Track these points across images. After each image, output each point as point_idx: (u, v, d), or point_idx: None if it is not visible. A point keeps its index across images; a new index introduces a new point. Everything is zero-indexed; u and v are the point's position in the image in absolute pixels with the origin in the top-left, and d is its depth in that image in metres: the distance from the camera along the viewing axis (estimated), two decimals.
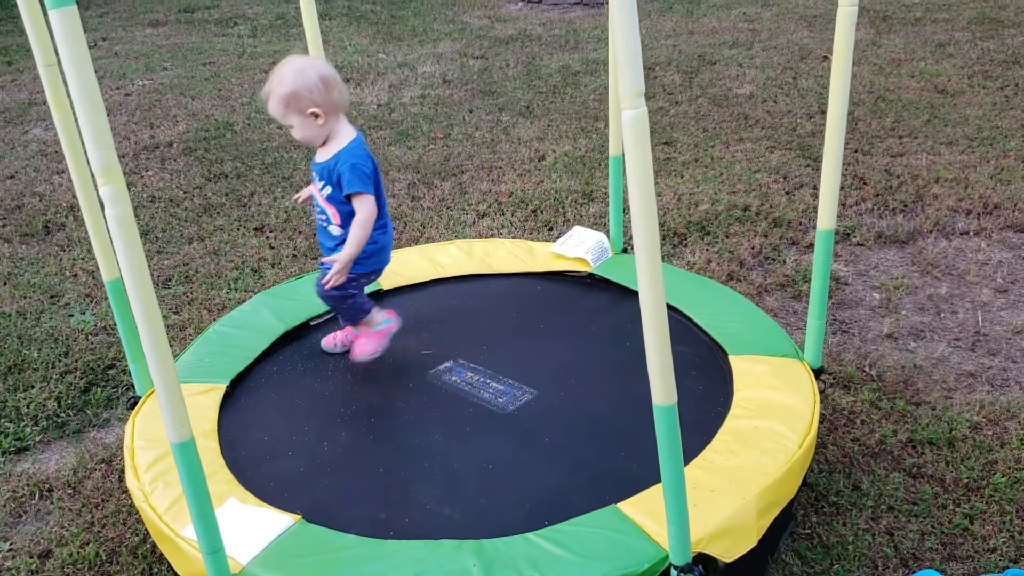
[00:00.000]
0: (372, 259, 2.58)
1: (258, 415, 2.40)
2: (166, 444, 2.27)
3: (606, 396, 2.41)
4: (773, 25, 7.61)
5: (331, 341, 2.77)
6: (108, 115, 6.17)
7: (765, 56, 6.70)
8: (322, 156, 2.49)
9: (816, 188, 4.37)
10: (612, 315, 2.80)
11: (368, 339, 2.66)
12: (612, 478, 2.08)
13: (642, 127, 1.50)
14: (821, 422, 2.72)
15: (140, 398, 2.53)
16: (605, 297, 2.91)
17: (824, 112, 5.44)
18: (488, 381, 2.48)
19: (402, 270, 3.09)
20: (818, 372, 2.45)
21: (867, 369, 3.04)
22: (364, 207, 2.44)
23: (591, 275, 3.02)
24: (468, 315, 2.84)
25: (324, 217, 2.55)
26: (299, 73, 2.35)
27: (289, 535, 1.93)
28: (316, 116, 2.39)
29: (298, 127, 2.43)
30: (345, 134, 2.48)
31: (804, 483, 2.35)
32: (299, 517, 1.99)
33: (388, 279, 3.03)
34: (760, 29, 7.49)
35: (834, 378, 2.99)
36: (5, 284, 3.99)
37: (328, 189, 2.49)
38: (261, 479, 2.15)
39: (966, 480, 2.49)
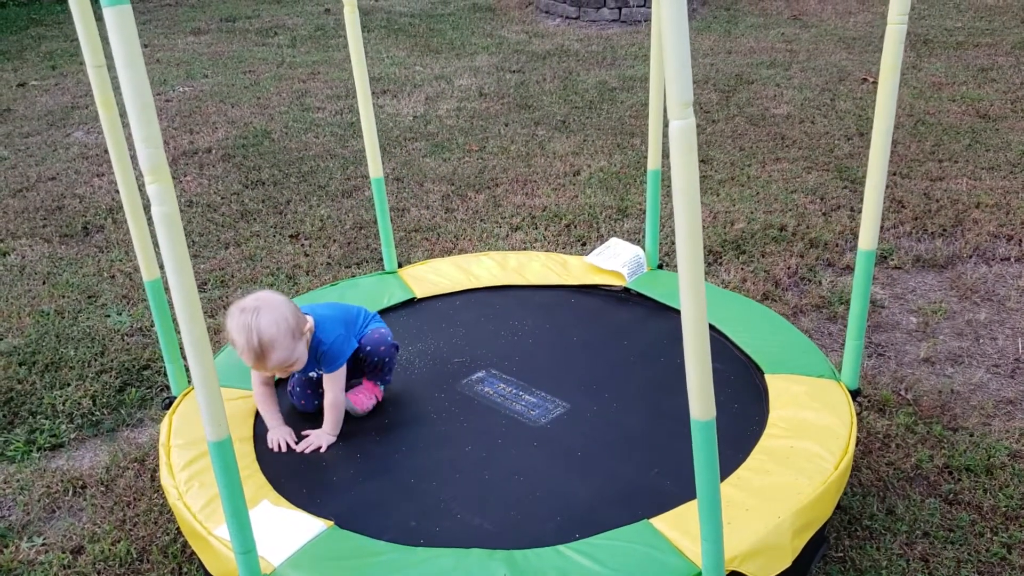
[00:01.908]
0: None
1: (292, 423, 2.41)
2: (202, 444, 2.29)
3: (639, 411, 2.39)
4: (811, 46, 7.57)
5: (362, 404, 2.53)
6: None
7: (803, 77, 6.67)
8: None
9: (854, 210, 4.34)
10: (647, 330, 2.78)
11: (370, 391, 2.57)
12: (645, 493, 2.06)
13: (689, 138, 1.49)
14: (855, 445, 2.68)
15: (175, 398, 2.55)
16: (640, 312, 2.90)
17: (863, 135, 5.40)
18: (520, 393, 2.47)
19: (436, 279, 3.09)
20: (855, 394, 2.42)
21: (903, 393, 3.00)
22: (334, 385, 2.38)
23: (626, 289, 3.01)
24: (501, 326, 2.84)
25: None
26: (273, 309, 2.21)
27: (321, 539, 1.94)
28: (310, 330, 2.34)
29: (302, 353, 2.30)
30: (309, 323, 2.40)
31: (837, 506, 2.32)
32: (331, 523, 1.99)
33: (421, 288, 3.04)
34: (798, 50, 7.46)
35: (869, 401, 2.95)
36: (44, 283, 4.05)
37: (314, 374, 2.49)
38: (295, 485, 2.16)
39: (1004, 509, 2.45)
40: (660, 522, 1.93)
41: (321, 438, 2.37)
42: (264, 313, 2.19)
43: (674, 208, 1.53)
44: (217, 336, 3.49)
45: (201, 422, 2.19)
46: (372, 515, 2.04)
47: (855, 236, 3.99)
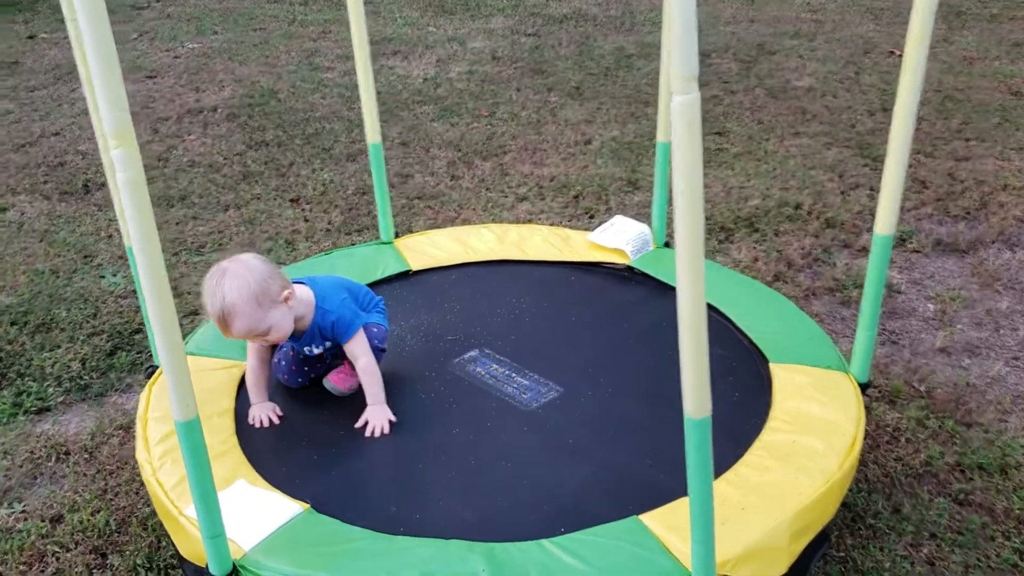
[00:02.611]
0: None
1: (276, 398, 2.32)
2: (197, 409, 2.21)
3: (636, 398, 2.29)
4: (838, 17, 7.35)
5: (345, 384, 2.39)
6: (155, 77, 6.17)
7: (827, 48, 6.47)
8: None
9: (873, 189, 4.19)
10: (649, 311, 2.67)
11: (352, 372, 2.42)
12: (636, 486, 1.96)
13: (693, 115, 1.37)
14: (864, 438, 2.57)
15: (158, 368, 2.46)
16: (642, 292, 2.78)
17: (886, 110, 5.22)
18: (513, 375, 2.37)
19: (432, 251, 2.99)
20: (864, 387, 2.31)
21: (916, 384, 2.88)
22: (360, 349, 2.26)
23: (629, 268, 2.89)
24: (497, 302, 2.73)
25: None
26: (240, 275, 2.07)
27: (296, 523, 1.85)
28: (288, 299, 2.15)
29: (277, 323, 2.14)
30: (305, 297, 2.26)
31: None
32: (308, 505, 1.91)
33: (417, 260, 2.94)
34: (824, 20, 7.24)
35: (880, 391, 2.83)
36: (41, 241, 3.98)
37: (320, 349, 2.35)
38: (273, 463, 2.07)
39: (1018, 512, 2.34)
40: (650, 519, 1.83)
41: (377, 416, 2.21)
42: (230, 278, 2.06)
43: (675, 191, 1.41)
44: None
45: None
46: (351, 499, 1.96)
47: (873, 217, 3.84)
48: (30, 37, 7.20)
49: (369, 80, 2.78)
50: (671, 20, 1.33)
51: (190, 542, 1.84)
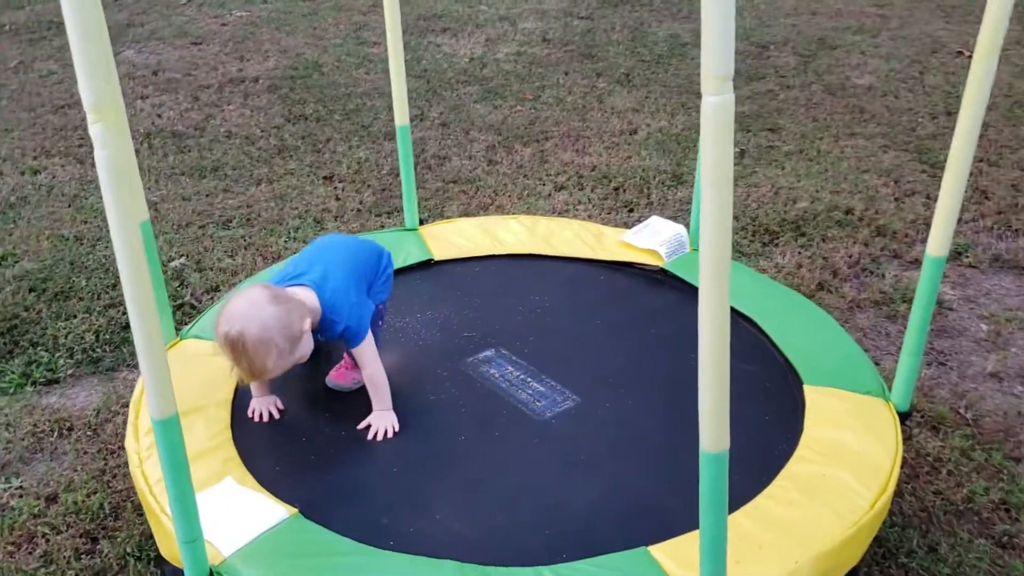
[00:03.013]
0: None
1: (276, 390, 2.21)
2: (178, 405, 2.11)
3: (657, 413, 2.14)
4: (905, 12, 7.03)
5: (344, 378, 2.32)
6: (201, 44, 6.11)
7: (892, 46, 6.18)
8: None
9: (930, 197, 3.96)
10: (678, 318, 2.51)
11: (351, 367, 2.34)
12: (649, 513, 1.82)
13: (726, 118, 1.22)
14: (901, 467, 2.40)
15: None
16: (674, 297, 2.62)
17: (951, 113, 4.95)
18: (528, 379, 2.23)
19: (458, 241, 2.86)
20: (904, 416, 2.13)
21: (962, 411, 2.69)
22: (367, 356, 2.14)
23: (662, 270, 2.74)
24: (519, 299, 2.59)
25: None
26: (260, 339, 1.90)
27: (281, 529, 1.75)
28: (307, 326, 2.01)
29: (304, 352, 2.02)
30: (312, 305, 2.09)
31: None
32: (296, 510, 1.80)
33: (440, 249, 2.81)
34: (890, 16, 6.93)
35: (922, 416, 2.65)
36: (70, 206, 3.93)
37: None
38: (266, 461, 1.97)
39: None
40: (660, 551, 1.69)
41: (381, 421, 2.10)
42: (253, 344, 1.89)
43: (701, 203, 1.26)
44: (233, 279, 3.32)
45: (180, 381, 2.02)
46: (342, 505, 1.85)
47: (928, 226, 3.64)
48: None
49: (399, 59, 2.66)
50: (706, 14, 1.18)
51: (170, 542, 1.75)
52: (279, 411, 2.17)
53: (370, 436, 2.07)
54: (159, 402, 1.50)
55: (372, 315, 2.20)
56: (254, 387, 2.19)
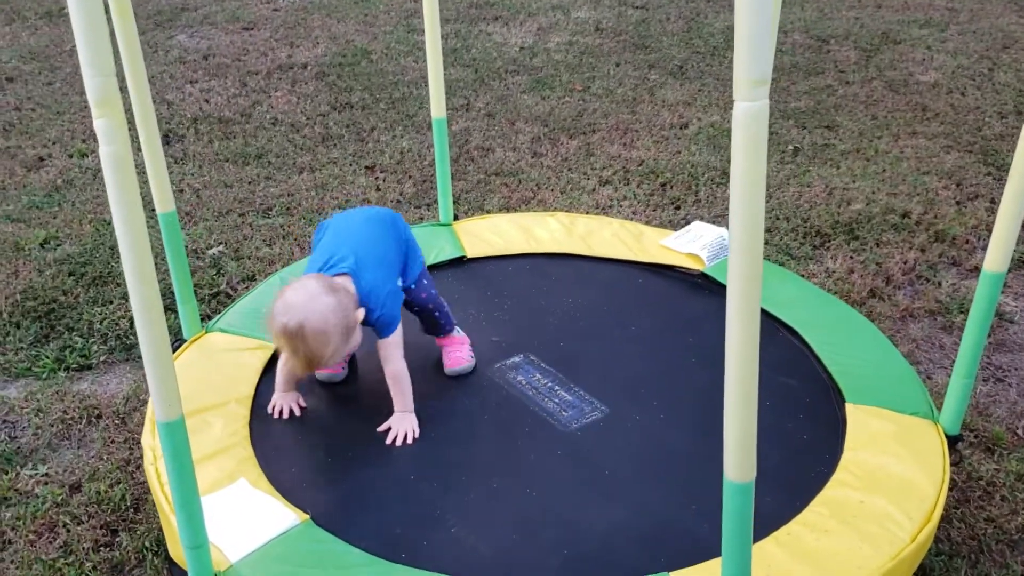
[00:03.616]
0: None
1: (298, 389, 2.17)
2: (197, 400, 2.09)
3: (688, 428, 2.04)
4: (976, 6, 6.75)
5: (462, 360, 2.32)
6: (252, 29, 6.11)
7: (960, 40, 5.93)
8: None
9: (994, 202, 3.77)
10: (718, 326, 2.37)
11: (459, 344, 2.34)
12: (673, 536, 1.73)
13: (759, 127, 1.13)
14: (950, 489, 2.27)
15: (184, 341, 2.35)
16: (714, 304, 2.51)
17: (1021, 113, 4.73)
18: (557, 388, 2.15)
19: (491, 238, 2.78)
20: (954, 441, 2.01)
21: (1020, 432, 2.54)
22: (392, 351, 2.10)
23: (703, 275, 2.63)
24: (553, 302, 2.51)
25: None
26: (320, 330, 1.90)
27: (291, 535, 1.71)
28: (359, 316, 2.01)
29: (357, 340, 2.02)
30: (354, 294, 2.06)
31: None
32: (307, 516, 1.75)
33: (474, 246, 2.74)
34: (959, 8, 6.66)
35: (976, 436, 2.51)
36: None
37: None
38: (282, 463, 1.92)
39: None
40: None
41: (402, 424, 2.05)
42: (310, 336, 1.89)
43: (730, 216, 1.17)
44: (270, 268, 3.30)
45: (202, 376, 1.99)
46: (355, 513, 1.79)
47: (990, 233, 3.47)
48: None
49: (437, 51, 2.58)
50: (739, 15, 1.08)
51: (177, 543, 1.71)
52: (301, 408, 2.12)
53: (389, 440, 2.01)
54: (164, 405, 1.45)
55: (426, 291, 2.22)
56: (280, 383, 2.15)
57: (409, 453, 1.97)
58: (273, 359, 2.25)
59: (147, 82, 2.15)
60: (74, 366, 2.84)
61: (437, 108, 2.69)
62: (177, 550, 1.73)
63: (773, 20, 1.11)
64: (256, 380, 2.18)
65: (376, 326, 2.07)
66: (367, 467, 1.93)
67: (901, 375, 2.17)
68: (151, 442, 1.95)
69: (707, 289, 2.59)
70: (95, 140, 4.37)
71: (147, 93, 2.15)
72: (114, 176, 1.32)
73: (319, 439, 2.03)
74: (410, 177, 4.04)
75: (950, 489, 2.22)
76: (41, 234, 3.55)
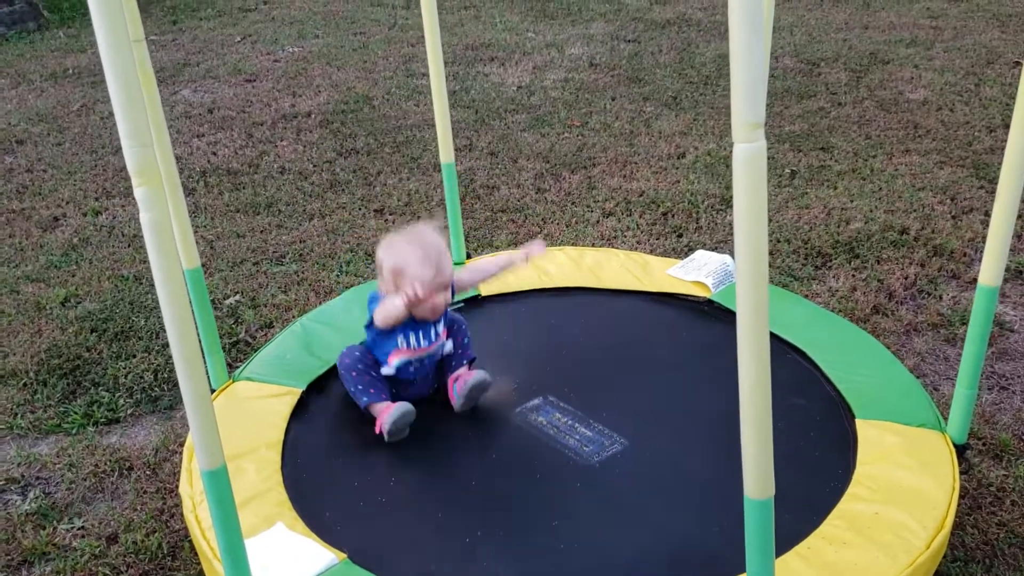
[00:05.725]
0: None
1: (327, 433, 2.25)
2: (230, 448, 2.15)
3: (707, 451, 2.11)
4: (960, 23, 6.89)
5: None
6: (255, 80, 6.26)
7: (946, 58, 6.07)
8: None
9: (988, 214, 3.83)
10: (728, 351, 2.43)
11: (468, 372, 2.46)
12: (696, 559, 1.80)
13: (758, 167, 1.21)
14: (962, 497, 2.33)
15: (213, 392, 2.43)
16: (721, 329, 2.59)
17: (1008, 126, 4.83)
18: (576, 425, 2.22)
19: (504, 275, 2.86)
20: (961, 449, 2.08)
21: None
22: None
23: (710, 301, 2.71)
24: (567, 338, 2.59)
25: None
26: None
27: (330, 575, 1.77)
28: None
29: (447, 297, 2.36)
30: None
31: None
32: (344, 555, 1.82)
33: (487, 285, 2.83)
34: (944, 27, 6.80)
35: (984, 444, 2.57)
36: (129, 246, 4.04)
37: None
38: (316, 506, 1.99)
39: None
40: None
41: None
42: (446, 252, 2.32)
43: (735, 252, 1.25)
44: (287, 314, 3.38)
45: (233, 424, 2.06)
46: (390, 551, 1.86)
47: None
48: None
49: (443, 98, 2.69)
50: (735, 59, 1.17)
51: None
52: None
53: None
54: (208, 456, 1.53)
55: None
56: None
57: (440, 494, 2.04)
58: (299, 405, 2.32)
59: (171, 145, 2.25)
60: (102, 420, 2.91)
61: (445, 153, 2.79)
62: None
63: (764, 63, 1.20)
64: (285, 426, 2.25)
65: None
66: (400, 508, 2.00)
67: (907, 388, 2.24)
68: (188, 491, 2.02)
69: (713, 315, 2.68)
70: (108, 198, 4.51)
71: (171, 155, 2.24)
72: (154, 240, 1.41)
73: (352, 480, 2.10)
74: (419, 218, 4.14)
75: (961, 497, 2.28)
76: (61, 293, 3.64)
